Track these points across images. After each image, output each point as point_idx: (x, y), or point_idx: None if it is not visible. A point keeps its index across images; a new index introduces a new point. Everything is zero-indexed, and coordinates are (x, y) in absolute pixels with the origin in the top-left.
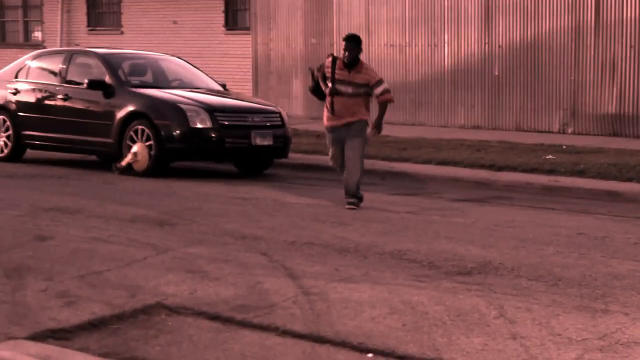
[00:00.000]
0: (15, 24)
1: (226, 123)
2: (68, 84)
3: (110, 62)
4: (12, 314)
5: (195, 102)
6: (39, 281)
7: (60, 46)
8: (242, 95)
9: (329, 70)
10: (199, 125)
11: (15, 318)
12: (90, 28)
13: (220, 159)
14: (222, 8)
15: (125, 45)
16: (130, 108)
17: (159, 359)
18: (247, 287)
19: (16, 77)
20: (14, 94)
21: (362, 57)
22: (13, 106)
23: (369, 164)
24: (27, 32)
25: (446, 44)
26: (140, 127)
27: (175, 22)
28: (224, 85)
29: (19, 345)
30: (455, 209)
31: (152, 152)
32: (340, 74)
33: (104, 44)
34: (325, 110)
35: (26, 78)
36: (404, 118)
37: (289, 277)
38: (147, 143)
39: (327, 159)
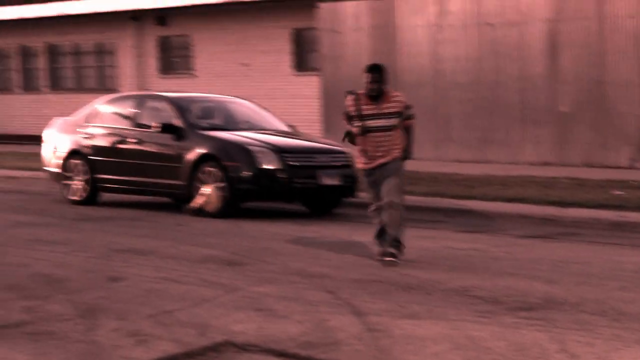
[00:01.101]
0: (89, 69)
1: (294, 163)
2: (139, 127)
3: (180, 106)
4: (86, 352)
5: (263, 143)
6: (111, 321)
7: (134, 91)
8: (310, 135)
9: (353, 108)
10: (267, 166)
11: (89, 357)
12: (162, 72)
13: (289, 199)
14: (291, 50)
15: (197, 89)
16: (200, 150)
17: None
18: (313, 324)
19: (88, 121)
20: (88, 138)
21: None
22: (87, 150)
23: (436, 202)
24: (101, 77)
25: (512, 81)
26: (210, 168)
27: (245, 65)
28: (292, 126)
29: None
30: (521, 245)
31: (223, 194)
32: (367, 108)
33: (176, 88)
34: (360, 153)
35: (97, 122)
36: (472, 155)
37: (354, 314)
38: (218, 184)
39: None
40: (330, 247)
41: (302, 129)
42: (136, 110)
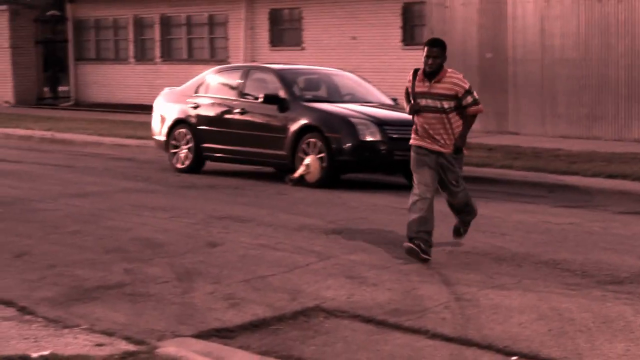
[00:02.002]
0: (201, 40)
1: (395, 136)
2: (245, 98)
3: (285, 78)
4: (181, 314)
5: (366, 115)
6: (207, 284)
7: (244, 62)
8: None
9: (409, 84)
10: (368, 138)
11: (183, 318)
12: (272, 44)
13: (389, 171)
14: (400, 24)
15: (305, 61)
16: (303, 121)
17: (313, 358)
18: (402, 292)
19: (196, 92)
20: (194, 108)
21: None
22: (193, 120)
23: (537, 177)
24: (213, 49)
25: (620, 57)
26: (312, 139)
27: (354, 38)
28: (395, 100)
29: (185, 342)
30: (617, 221)
31: (324, 164)
32: (419, 85)
33: (285, 60)
34: (413, 129)
35: (205, 93)
36: (578, 132)
37: (444, 283)
38: (319, 155)
39: (496, 172)
40: None
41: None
42: (242, 81)
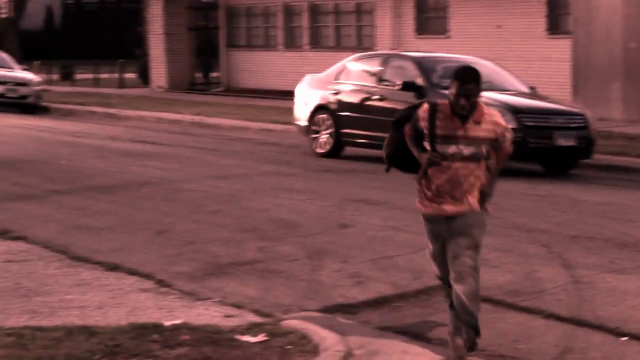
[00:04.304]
0: (348, 28)
1: (529, 124)
2: (383, 85)
3: (422, 65)
4: (308, 290)
5: (501, 103)
6: (335, 263)
7: (389, 50)
8: (548, 97)
9: (426, 124)
10: None
11: (310, 294)
12: (417, 32)
13: (523, 158)
14: (545, 12)
15: (450, 49)
16: None
17: (429, 334)
18: (522, 274)
19: (337, 78)
20: (335, 94)
21: None
22: (333, 106)
23: None
24: (359, 36)
25: None
26: None
27: (499, 27)
28: (532, 88)
29: (309, 316)
30: None
31: None
32: (447, 127)
33: (430, 48)
34: (419, 190)
35: (346, 80)
36: None
37: (563, 267)
38: None
39: (632, 161)
40: (556, 205)
41: (551, 93)
42: (381, 69)
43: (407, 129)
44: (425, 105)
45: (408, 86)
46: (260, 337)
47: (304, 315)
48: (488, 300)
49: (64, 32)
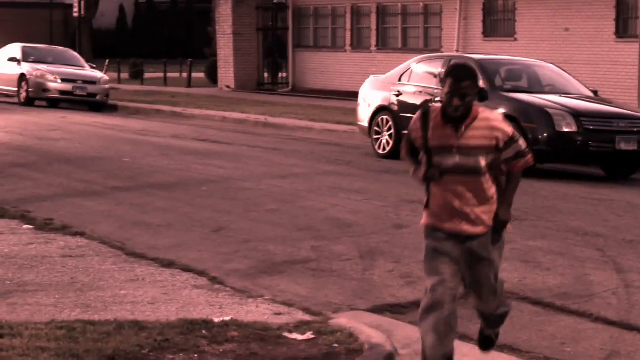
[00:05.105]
0: (416, 30)
1: (591, 127)
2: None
3: (484, 67)
4: (359, 289)
5: (562, 106)
6: (387, 263)
7: (455, 52)
8: (612, 101)
9: (419, 134)
10: (564, 129)
11: (360, 293)
12: (485, 35)
13: (584, 162)
14: (613, 16)
15: (517, 52)
16: (501, 111)
17: (477, 335)
18: (574, 278)
19: (399, 80)
20: (397, 95)
21: None
22: (395, 107)
23: None
24: (427, 38)
25: None
26: None
27: (566, 30)
28: (595, 92)
29: (358, 315)
30: None
31: None
32: (439, 135)
33: (497, 51)
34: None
35: (408, 81)
36: None
37: (616, 271)
38: None
39: None
40: (614, 210)
41: (618, 97)
42: (443, 70)
43: (403, 143)
44: (417, 114)
45: None
46: (308, 335)
47: (353, 314)
48: (538, 303)
49: (136, 31)
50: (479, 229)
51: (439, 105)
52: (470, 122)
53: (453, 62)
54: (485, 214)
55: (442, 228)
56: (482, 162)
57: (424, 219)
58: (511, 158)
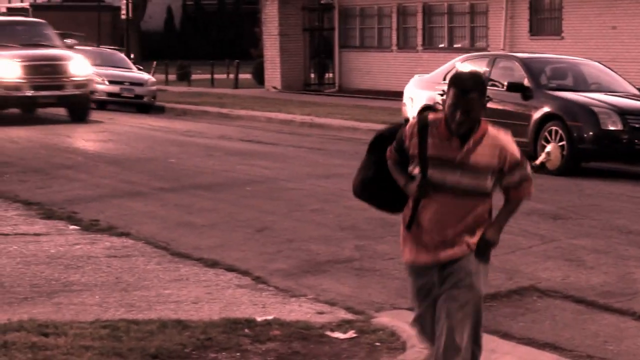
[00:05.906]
0: (462, 29)
1: (637, 126)
2: (490, 85)
3: (529, 66)
4: (402, 288)
5: (608, 105)
6: None
7: (502, 51)
8: None
9: (415, 142)
10: (610, 128)
11: (403, 292)
12: (531, 34)
13: (630, 160)
14: None
15: (564, 51)
16: (546, 110)
17: (519, 333)
18: (617, 276)
19: (444, 79)
20: (442, 94)
21: None
22: (440, 106)
23: None
24: (473, 37)
25: None
26: (554, 127)
27: (614, 28)
28: None
29: (400, 314)
30: None
31: (564, 153)
32: (441, 146)
33: (544, 50)
34: (403, 230)
35: None
36: None
37: None
38: (560, 143)
39: None
40: None
41: None
42: (488, 69)
43: (390, 152)
44: (414, 120)
45: (514, 87)
46: (350, 334)
47: (396, 313)
48: (581, 301)
49: (183, 33)
50: (462, 250)
51: (441, 115)
52: (479, 137)
53: (458, 71)
54: (471, 237)
55: (425, 262)
56: (489, 183)
57: (405, 256)
58: (515, 183)
